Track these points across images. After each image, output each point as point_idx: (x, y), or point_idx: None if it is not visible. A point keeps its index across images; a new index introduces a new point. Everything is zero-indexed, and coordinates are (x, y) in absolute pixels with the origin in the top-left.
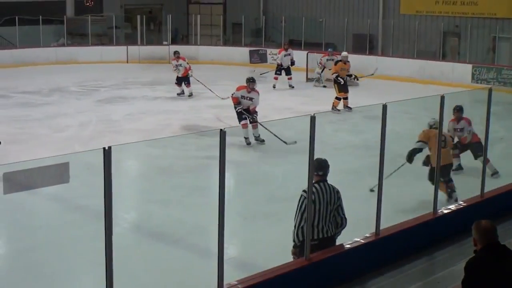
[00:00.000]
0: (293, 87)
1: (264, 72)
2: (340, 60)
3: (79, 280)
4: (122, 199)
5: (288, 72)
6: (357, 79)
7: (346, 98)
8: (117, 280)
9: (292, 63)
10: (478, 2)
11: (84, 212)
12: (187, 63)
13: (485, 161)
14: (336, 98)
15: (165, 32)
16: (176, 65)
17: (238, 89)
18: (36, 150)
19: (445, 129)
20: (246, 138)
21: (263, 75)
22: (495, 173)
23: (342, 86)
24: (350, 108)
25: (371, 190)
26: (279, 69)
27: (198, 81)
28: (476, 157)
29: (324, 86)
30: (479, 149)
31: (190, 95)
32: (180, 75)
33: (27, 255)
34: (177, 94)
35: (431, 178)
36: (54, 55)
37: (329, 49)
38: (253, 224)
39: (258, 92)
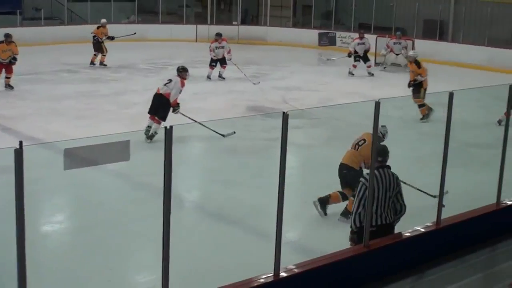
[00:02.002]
0: (372, 74)
1: (330, 59)
2: None
3: (138, 257)
4: (185, 178)
5: (366, 59)
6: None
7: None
8: (175, 258)
9: (366, 51)
10: None
11: (146, 189)
12: (229, 46)
13: None
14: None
15: (235, 12)
16: (216, 47)
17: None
18: (103, 126)
19: None
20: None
21: (330, 60)
22: None
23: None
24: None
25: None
26: (355, 56)
27: (235, 64)
28: None
29: (384, 68)
30: None
31: (220, 76)
32: (220, 56)
33: (89, 231)
34: (207, 76)
35: None
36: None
37: (398, 33)
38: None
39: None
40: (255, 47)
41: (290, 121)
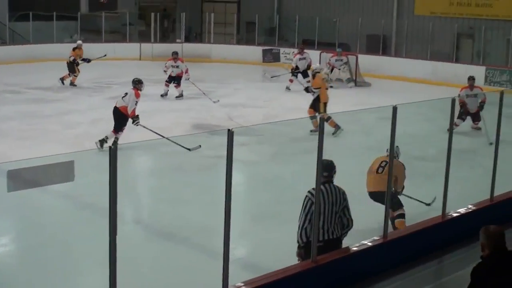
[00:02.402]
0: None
1: (275, 76)
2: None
3: (86, 277)
4: (132, 197)
5: (305, 75)
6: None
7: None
8: (123, 278)
9: (308, 66)
10: (493, 4)
11: (93, 210)
12: (185, 66)
13: (496, 163)
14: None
15: (178, 30)
16: (172, 65)
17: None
18: (46, 147)
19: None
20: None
21: (274, 77)
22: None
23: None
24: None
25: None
26: (295, 72)
27: (193, 83)
28: None
29: (331, 87)
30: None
31: (180, 96)
32: (174, 75)
33: (36, 252)
34: (161, 95)
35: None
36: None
37: (338, 49)
38: (262, 224)
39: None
40: (200, 64)
41: (235, 138)
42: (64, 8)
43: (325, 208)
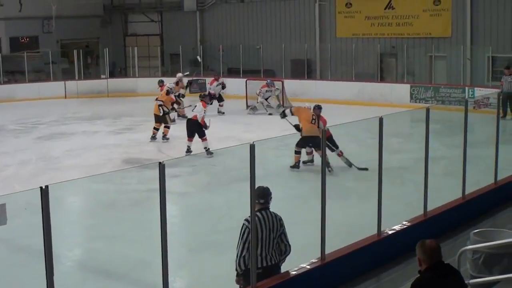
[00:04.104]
0: (223, 113)
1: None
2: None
3: None
4: (65, 237)
5: (220, 99)
6: None
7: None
8: None
9: (223, 87)
10: (413, 22)
11: (27, 252)
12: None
13: (426, 179)
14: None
15: (102, 65)
16: None
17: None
18: None
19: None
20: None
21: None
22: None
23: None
24: None
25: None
26: (211, 98)
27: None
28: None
29: (270, 114)
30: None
31: (172, 121)
32: None
33: None
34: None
35: (298, 144)
36: None
37: (268, 81)
38: (199, 255)
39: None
40: (126, 99)
41: (167, 170)
42: None
43: (263, 235)
